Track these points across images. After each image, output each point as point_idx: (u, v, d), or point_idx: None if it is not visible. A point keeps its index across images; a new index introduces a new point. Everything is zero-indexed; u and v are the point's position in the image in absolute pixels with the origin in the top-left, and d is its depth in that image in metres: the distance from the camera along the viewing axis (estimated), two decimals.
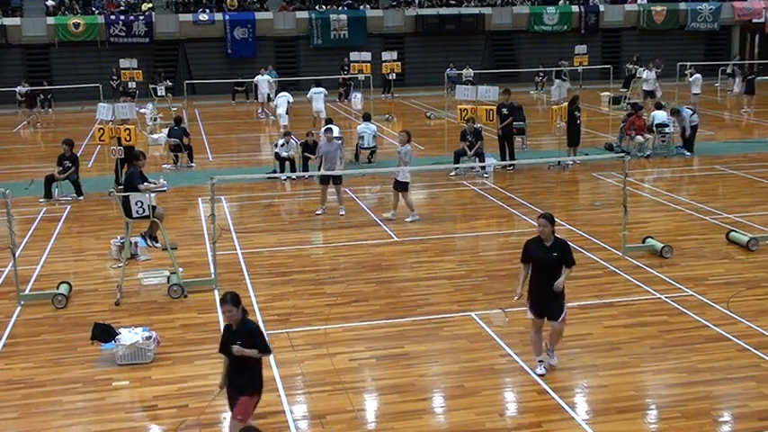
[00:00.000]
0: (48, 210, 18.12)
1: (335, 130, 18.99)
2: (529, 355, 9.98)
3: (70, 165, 19.07)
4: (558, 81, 34.11)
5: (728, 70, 39.41)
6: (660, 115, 23.28)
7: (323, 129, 19.11)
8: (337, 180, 17.00)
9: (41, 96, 36.07)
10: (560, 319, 9.30)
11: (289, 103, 27.24)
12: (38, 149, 27.41)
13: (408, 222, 16.22)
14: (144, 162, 14.14)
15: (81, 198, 18.99)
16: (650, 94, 32.41)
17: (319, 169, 18.01)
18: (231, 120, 33.59)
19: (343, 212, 16.99)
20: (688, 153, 22.89)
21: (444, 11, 44.03)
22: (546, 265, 9.17)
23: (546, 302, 9.25)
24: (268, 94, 33.19)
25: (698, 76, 31.21)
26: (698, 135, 23.18)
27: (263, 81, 33.96)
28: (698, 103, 29.96)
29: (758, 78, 33.10)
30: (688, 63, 33.60)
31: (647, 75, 33.27)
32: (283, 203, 18.81)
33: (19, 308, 12.05)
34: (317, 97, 27.96)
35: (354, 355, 10.20)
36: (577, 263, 13.45)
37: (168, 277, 12.91)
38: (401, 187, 16.41)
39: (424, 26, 43.49)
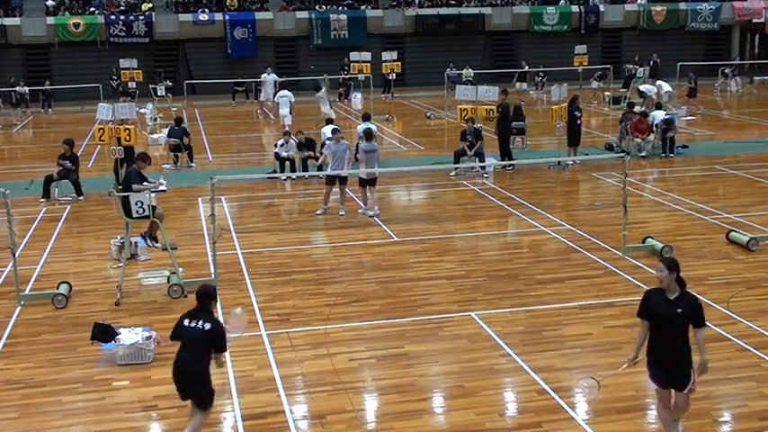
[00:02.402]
0: (48, 210, 18.12)
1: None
2: (529, 354, 9.99)
3: (70, 164, 19.08)
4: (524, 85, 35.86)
5: (726, 71, 39.47)
6: (660, 115, 23.23)
7: (330, 129, 19.23)
8: (344, 180, 17.04)
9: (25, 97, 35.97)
10: (687, 390, 7.62)
11: (291, 102, 27.24)
12: (36, 150, 27.43)
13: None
14: (145, 165, 13.96)
15: (81, 198, 18.98)
16: (640, 93, 32.48)
17: (321, 168, 18.13)
18: (231, 120, 33.59)
19: (344, 212, 16.99)
20: (663, 154, 22.56)
21: (444, 11, 44.02)
22: (666, 321, 7.42)
23: (670, 368, 7.56)
24: (274, 94, 33.19)
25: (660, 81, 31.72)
26: (699, 135, 23.15)
27: (271, 81, 33.96)
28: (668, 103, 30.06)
29: (757, 78, 33.14)
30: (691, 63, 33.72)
31: (639, 73, 33.45)
32: (283, 203, 18.80)
33: (19, 308, 12.04)
34: (324, 100, 28.28)
35: (354, 355, 10.19)
36: (577, 263, 13.70)
37: (168, 277, 12.90)
38: (366, 183, 16.73)
39: (424, 26, 43.47)
